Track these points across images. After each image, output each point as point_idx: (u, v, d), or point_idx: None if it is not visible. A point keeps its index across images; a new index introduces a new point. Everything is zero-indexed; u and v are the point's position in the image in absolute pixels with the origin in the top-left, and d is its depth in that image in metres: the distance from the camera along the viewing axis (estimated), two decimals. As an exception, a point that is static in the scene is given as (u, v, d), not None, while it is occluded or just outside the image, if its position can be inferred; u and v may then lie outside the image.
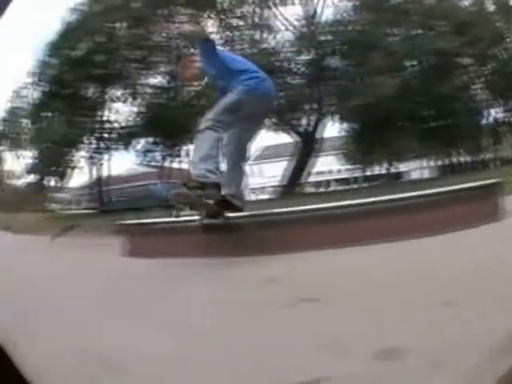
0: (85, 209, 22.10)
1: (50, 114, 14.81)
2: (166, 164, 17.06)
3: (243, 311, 1.51)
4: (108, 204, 15.23)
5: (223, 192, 2.66)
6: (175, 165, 17.19)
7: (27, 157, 18.88)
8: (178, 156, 16.78)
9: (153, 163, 18.01)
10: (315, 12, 13.98)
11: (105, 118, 15.37)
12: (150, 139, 16.37)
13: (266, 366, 1.02)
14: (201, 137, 2.62)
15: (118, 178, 27.73)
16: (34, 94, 16.52)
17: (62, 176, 16.17)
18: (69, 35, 13.09)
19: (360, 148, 15.61)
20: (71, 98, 13.47)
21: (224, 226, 2.87)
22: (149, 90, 15.55)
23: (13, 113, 19.77)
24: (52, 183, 17.33)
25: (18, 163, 21.27)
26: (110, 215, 8.12)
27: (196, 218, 2.96)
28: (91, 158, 15.52)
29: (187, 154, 16.07)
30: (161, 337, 1.30)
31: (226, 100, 2.69)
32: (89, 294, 2.01)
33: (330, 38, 13.16)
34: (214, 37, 12.98)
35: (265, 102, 2.89)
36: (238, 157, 2.91)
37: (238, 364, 1.04)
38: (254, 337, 1.23)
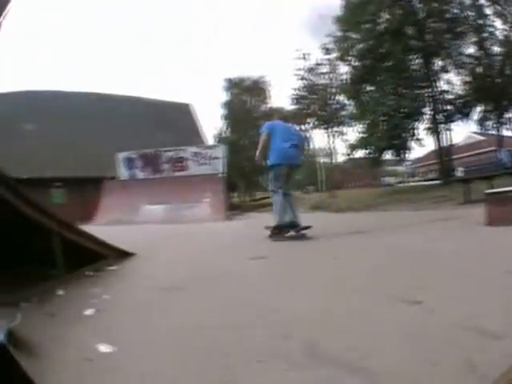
0: (429, 180, 22.38)
1: (371, 88, 14.64)
2: (498, 132, 15.98)
3: None
4: (452, 174, 14.02)
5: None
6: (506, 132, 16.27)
7: (346, 133, 19.62)
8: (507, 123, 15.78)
9: (489, 131, 16.90)
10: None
11: (440, 89, 14.90)
12: (482, 108, 15.45)
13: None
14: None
15: (459, 148, 26.65)
16: (339, 70, 17.46)
17: (401, 149, 15.01)
18: (363, 9, 13.34)
19: None
20: (394, 70, 13.35)
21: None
22: (467, 60, 14.98)
23: (312, 90, 20.88)
24: (388, 157, 16.23)
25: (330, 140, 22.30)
26: (458, 185, 7.73)
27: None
28: (430, 129, 15.03)
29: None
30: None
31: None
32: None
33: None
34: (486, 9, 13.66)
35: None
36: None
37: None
38: None
